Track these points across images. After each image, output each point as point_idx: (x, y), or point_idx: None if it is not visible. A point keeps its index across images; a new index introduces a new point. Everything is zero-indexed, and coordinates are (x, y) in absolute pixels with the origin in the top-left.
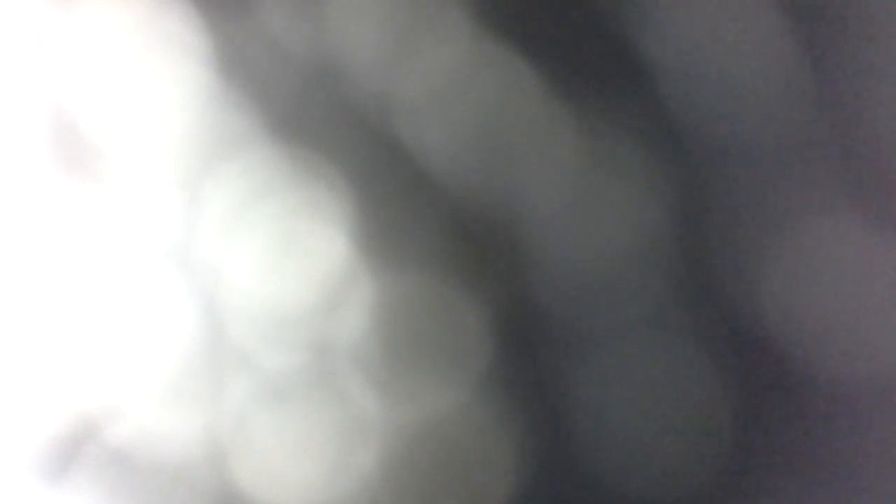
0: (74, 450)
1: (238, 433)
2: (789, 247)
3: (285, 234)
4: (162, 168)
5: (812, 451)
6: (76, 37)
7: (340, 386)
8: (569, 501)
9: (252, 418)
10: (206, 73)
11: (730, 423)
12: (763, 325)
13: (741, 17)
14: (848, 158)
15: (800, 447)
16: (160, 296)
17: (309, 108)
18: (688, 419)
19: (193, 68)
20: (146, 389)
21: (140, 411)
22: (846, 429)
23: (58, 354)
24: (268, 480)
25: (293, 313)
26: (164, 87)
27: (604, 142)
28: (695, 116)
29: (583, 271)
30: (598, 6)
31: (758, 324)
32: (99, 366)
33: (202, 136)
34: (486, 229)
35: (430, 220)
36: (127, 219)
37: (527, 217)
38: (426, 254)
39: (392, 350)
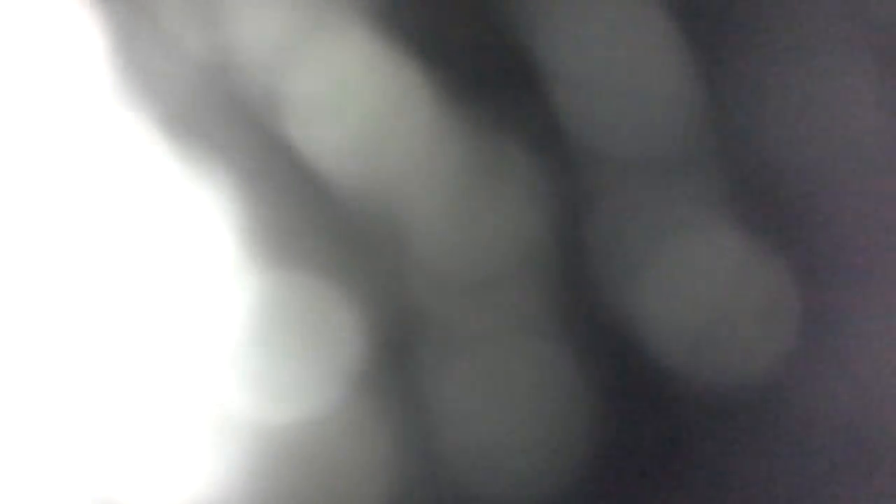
0: None
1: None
2: (668, 258)
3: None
4: (54, 165)
5: (681, 459)
6: None
7: (214, 386)
8: None
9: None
10: (100, 70)
11: (601, 432)
12: (638, 334)
13: (632, 26)
14: (733, 173)
15: (670, 456)
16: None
17: (199, 106)
18: (559, 427)
19: (88, 65)
20: None
21: None
22: (718, 439)
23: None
24: (138, 482)
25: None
26: (58, 83)
27: (490, 147)
28: (582, 124)
29: (461, 275)
30: (492, 11)
31: (633, 333)
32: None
33: (95, 134)
34: (368, 231)
35: (315, 221)
36: (3, 219)
37: (409, 220)
38: (308, 255)
39: (266, 351)
